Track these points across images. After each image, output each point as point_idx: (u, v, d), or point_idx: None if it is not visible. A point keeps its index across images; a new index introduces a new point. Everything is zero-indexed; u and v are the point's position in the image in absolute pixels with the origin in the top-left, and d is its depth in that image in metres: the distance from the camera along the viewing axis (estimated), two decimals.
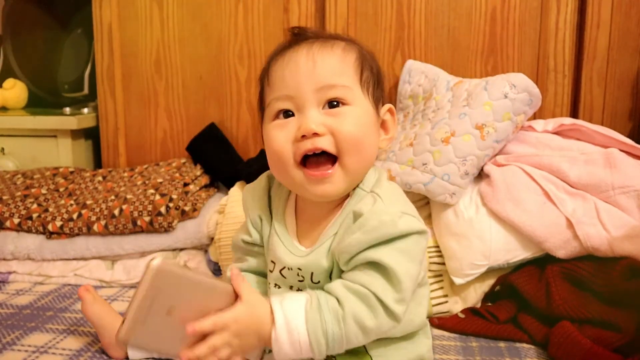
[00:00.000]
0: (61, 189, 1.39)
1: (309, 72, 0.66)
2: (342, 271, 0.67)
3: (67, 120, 1.54)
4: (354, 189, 0.70)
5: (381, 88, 0.73)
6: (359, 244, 0.63)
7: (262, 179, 0.78)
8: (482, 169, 1.14)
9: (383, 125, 0.73)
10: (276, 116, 0.69)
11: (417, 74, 1.30)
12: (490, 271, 1.07)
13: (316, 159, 0.66)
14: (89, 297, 0.90)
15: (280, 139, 0.67)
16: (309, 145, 0.65)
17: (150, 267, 0.54)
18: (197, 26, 1.50)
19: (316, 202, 0.70)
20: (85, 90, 1.76)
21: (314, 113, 0.66)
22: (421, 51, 1.39)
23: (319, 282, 0.69)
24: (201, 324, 0.59)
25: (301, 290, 0.70)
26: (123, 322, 0.55)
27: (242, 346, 0.61)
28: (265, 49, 1.47)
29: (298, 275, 0.69)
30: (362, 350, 0.70)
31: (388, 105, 0.74)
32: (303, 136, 0.65)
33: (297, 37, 0.71)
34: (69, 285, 1.23)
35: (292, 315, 0.61)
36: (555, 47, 1.33)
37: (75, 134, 1.58)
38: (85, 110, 1.60)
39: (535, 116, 1.27)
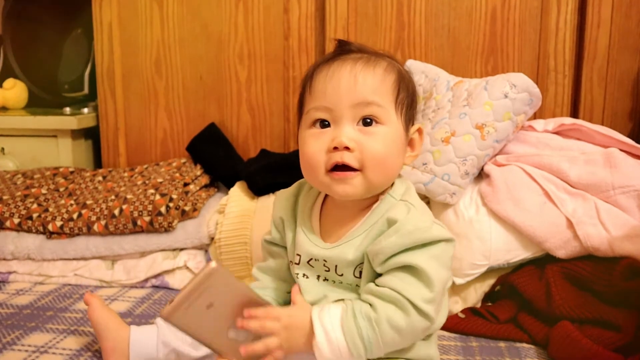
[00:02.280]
0: (61, 189, 1.39)
1: (350, 88, 0.71)
2: (373, 271, 0.72)
3: (67, 120, 1.54)
4: (383, 194, 0.76)
5: (414, 108, 0.78)
6: (394, 246, 0.69)
7: (294, 185, 0.85)
8: (482, 169, 1.14)
9: (410, 143, 0.78)
10: (313, 124, 0.74)
11: (417, 74, 1.30)
12: (490, 271, 1.07)
13: (342, 166, 0.72)
14: (97, 302, 0.90)
15: (315, 147, 0.73)
16: (337, 158, 0.71)
17: (209, 267, 0.66)
18: (197, 26, 1.50)
19: (343, 205, 0.77)
20: (85, 90, 1.76)
21: (348, 128, 0.71)
22: (421, 51, 1.39)
23: (342, 274, 0.75)
24: (255, 310, 0.68)
25: (327, 279, 0.76)
26: (170, 303, 0.65)
27: (289, 341, 0.69)
28: (265, 49, 1.47)
29: (324, 265, 0.76)
30: None
31: (418, 125, 0.79)
32: (335, 148, 0.71)
33: (342, 49, 0.76)
34: (69, 285, 1.23)
35: (330, 327, 0.68)
36: (556, 47, 1.33)
37: (76, 134, 1.58)
38: (86, 110, 1.60)
39: (535, 116, 1.27)
